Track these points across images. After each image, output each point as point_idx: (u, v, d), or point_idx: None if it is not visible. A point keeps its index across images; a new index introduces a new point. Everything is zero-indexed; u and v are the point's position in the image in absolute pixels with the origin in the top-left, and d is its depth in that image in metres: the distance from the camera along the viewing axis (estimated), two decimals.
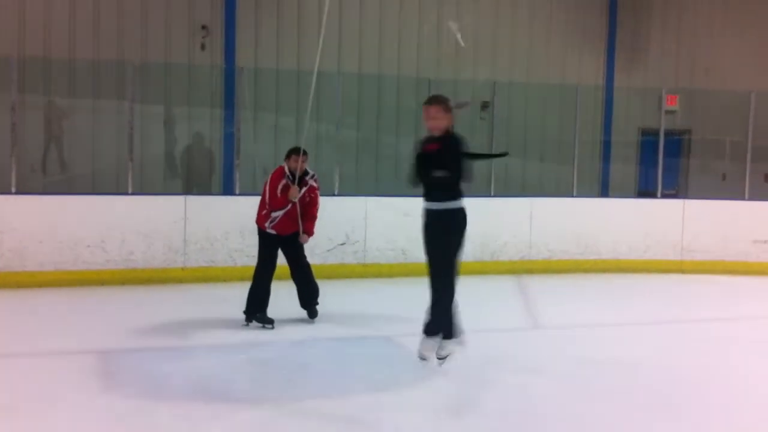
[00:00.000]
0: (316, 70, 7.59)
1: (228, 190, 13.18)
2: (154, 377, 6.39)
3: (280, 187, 7.91)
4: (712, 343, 8.12)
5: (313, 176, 8.15)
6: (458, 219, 5.96)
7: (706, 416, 5.82)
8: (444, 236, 5.97)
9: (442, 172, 5.84)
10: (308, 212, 8.14)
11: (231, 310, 8.95)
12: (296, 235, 8.18)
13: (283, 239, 8.14)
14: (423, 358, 6.19)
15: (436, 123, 5.94)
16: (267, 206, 7.98)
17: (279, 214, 7.97)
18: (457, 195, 5.94)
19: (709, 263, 12.58)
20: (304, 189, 7.99)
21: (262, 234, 8.13)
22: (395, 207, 11.21)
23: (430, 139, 6.03)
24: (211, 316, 8.68)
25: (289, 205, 7.94)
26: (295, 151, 7.96)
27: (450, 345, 6.19)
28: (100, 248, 10.22)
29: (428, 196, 6.01)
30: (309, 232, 8.18)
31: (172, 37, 14.01)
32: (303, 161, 7.90)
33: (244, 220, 10.66)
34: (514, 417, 5.64)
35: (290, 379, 6.52)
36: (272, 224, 8.02)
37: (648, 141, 15.77)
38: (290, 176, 7.95)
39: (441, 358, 6.19)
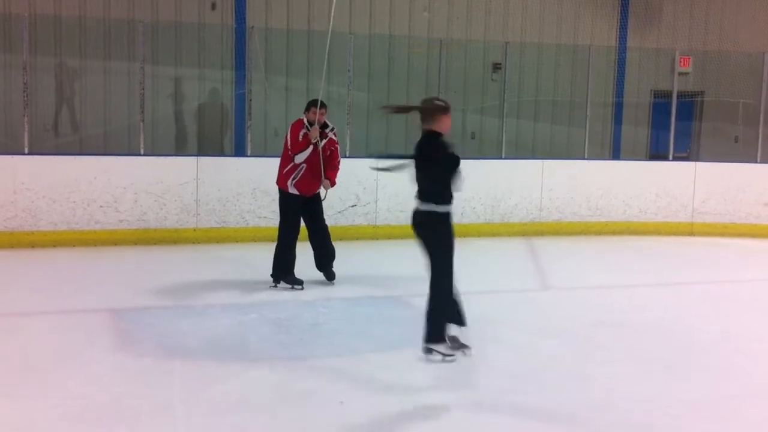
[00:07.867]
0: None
1: (240, 151, 13.18)
2: (167, 336, 6.47)
3: (300, 134, 8.01)
4: (721, 305, 8.16)
5: (332, 129, 8.24)
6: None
7: (714, 377, 5.87)
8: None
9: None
10: (330, 164, 8.22)
11: (243, 270, 9.05)
12: (317, 196, 8.24)
13: (306, 200, 8.15)
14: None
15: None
16: (290, 151, 7.99)
17: (302, 161, 7.94)
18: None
19: (720, 226, 12.58)
20: (324, 141, 8.08)
21: (285, 196, 8.12)
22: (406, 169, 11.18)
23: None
24: (224, 276, 8.76)
25: (310, 148, 7.95)
26: (313, 103, 8.06)
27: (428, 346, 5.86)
28: (113, 208, 10.29)
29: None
30: (332, 180, 8.24)
31: None
32: (321, 114, 8.01)
33: (255, 181, 10.74)
34: (522, 376, 5.70)
35: (302, 338, 6.61)
36: (295, 182, 8.01)
37: (660, 103, 15.65)
38: (309, 128, 8.03)
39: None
